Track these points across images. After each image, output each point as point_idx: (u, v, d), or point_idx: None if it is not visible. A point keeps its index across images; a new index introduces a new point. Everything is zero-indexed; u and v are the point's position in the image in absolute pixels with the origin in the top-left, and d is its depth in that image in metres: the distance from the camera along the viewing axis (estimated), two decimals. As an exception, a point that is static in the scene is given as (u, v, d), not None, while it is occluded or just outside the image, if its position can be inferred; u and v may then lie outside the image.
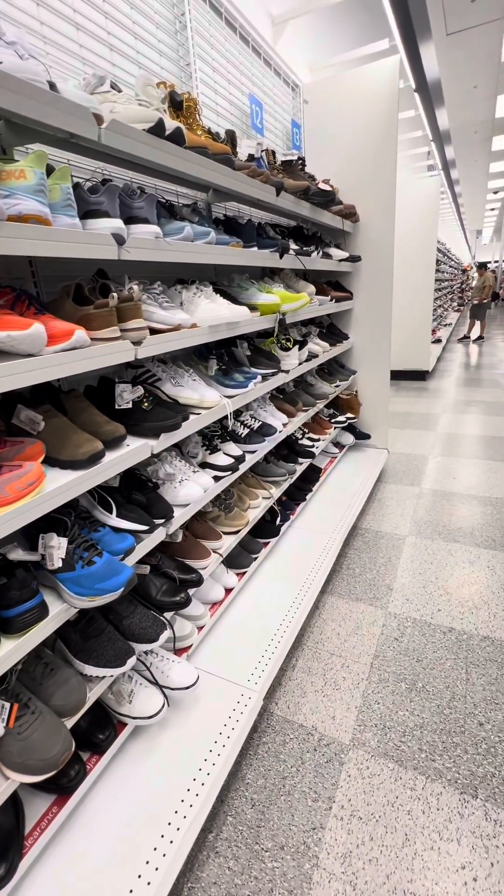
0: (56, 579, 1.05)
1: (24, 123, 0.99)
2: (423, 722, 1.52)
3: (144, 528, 1.26)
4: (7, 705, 0.97)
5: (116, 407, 1.31)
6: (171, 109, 1.46)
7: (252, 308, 1.85)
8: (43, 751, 0.95)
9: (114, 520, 1.23)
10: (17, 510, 0.90)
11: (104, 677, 1.17)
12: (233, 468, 1.70)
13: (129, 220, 1.19)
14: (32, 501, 0.93)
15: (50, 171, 0.97)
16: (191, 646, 1.60)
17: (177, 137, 1.24)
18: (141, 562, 1.43)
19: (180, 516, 1.45)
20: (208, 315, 1.48)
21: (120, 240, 1.09)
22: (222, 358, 1.83)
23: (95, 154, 1.34)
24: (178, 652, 1.57)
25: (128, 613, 1.31)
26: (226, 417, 1.66)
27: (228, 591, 1.87)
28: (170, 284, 1.60)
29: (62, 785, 1.12)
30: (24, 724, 0.98)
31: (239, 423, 1.99)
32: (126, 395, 1.32)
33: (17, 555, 1.00)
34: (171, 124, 1.21)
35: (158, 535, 1.36)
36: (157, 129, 1.16)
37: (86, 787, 1.18)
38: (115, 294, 1.08)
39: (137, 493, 1.33)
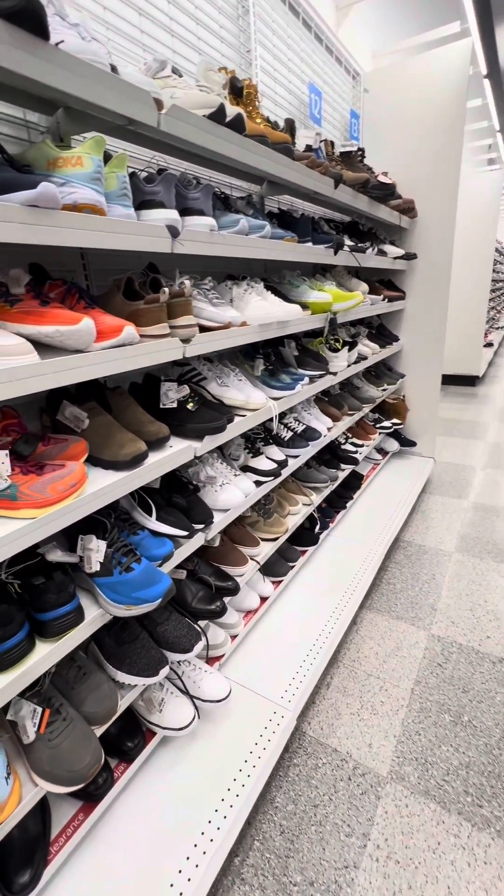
0: (93, 583, 1.02)
1: (82, 108, 0.95)
2: (470, 761, 1.40)
3: (184, 533, 1.21)
4: (39, 710, 0.94)
5: (161, 406, 1.27)
6: (231, 96, 1.40)
7: (303, 306, 1.76)
8: (72, 761, 0.92)
9: (153, 523, 1.19)
10: (58, 512, 0.87)
11: (136, 685, 1.14)
12: (275, 473, 1.63)
13: (184, 211, 1.14)
14: (74, 503, 0.89)
15: (106, 159, 0.93)
16: (223, 655, 1.55)
17: (237, 125, 1.17)
18: (177, 566, 1.39)
19: (220, 522, 1.40)
20: (259, 313, 1.41)
21: (175, 232, 1.04)
22: (269, 358, 1.76)
23: (150, 143, 1.29)
24: (210, 661, 1.52)
25: (162, 620, 1.26)
26: (270, 420, 1.60)
27: (263, 599, 1.81)
28: (219, 280, 1.54)
29: (90, 792, 1.09)
30: (55, 730, 0.95)
31: (282, 426, 1.92)
32: (171, 395, 1.27)
33: (56, 556, 0.97)
34: (231, 110, 1.15)
35: (197, 541, 1.31)
36: (218, 115, 1.10)
37: (113, 794, 1.15)
38: (166, 289, 1.03)
39: (178, 496, 1.29)
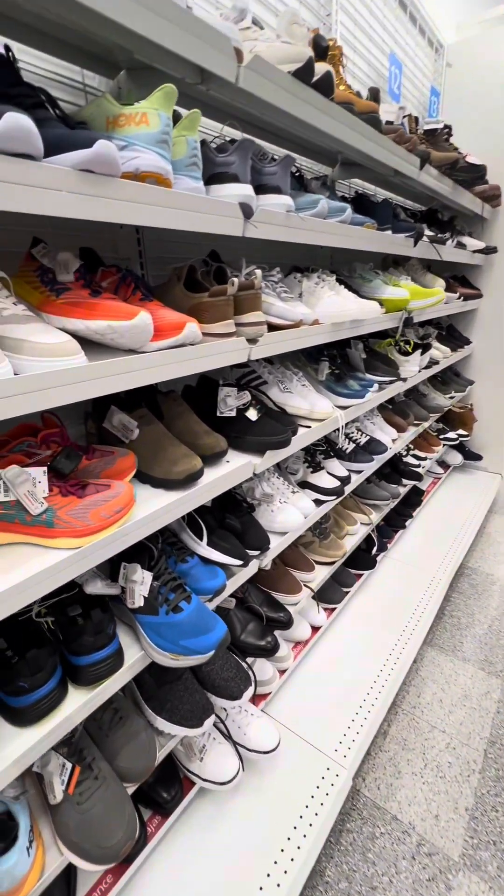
0: (135, 619, 0.88)
1: (147, 61, 0.80)
2: None
3: (238, 562, 1.05)
4: (68, 766, 0.81)
5: (218, 414, 1.11)
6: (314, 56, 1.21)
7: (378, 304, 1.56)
8: (102, 835, 0.78)
9: (205, 549, 1.04)
10: (101, 542, 0.73)
11: (176, 735, 0.99)
12: (338, 492, 1.44)
13: (258, 188, 0.97)
14: (118, 532, 0.75)
15: (174, 120, 0.77)
16: (269, 693, 1.39)
17: (324, 86, 0.99)
18: (226, 593, 1.23)
19: (276, 547, 1.23)
20: (332, 310, 1.23)
21: (248, 211, 0.87)
22: (335, 361, 1.56)
23: (211, 113, 1.13)
24: (255, 699, 1.36)
25: (208, 657, 1.11)
26: (335, 432, 1.41)
27: (315, 629, 1.63)
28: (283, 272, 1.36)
29: (120, 852, 0.96)
30: (85, 791, 0.82)
31: (343, 437, 1.72)
32: (230, 401, 1.11)
33: (96, 587, 0.84)
34: (320, 68, 0.97)
35: (251, 569, 1.15)
36: (305, 73, 0.92)
37: (146, 853, 1.01)
38: (235, 279, 0.87)
39: (231, 517, 1.13)
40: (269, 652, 1.20)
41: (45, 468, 0.71)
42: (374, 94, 1.44)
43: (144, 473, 0.91)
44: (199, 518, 1.10)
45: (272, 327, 1.07)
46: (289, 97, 0.93)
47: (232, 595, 1.26)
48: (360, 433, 1.77)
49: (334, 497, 1.43)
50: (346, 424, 1.78)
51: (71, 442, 0.84)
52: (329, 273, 1.41)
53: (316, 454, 1.54)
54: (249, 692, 1.07)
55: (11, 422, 0.82)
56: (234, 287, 0.87)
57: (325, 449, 1.57)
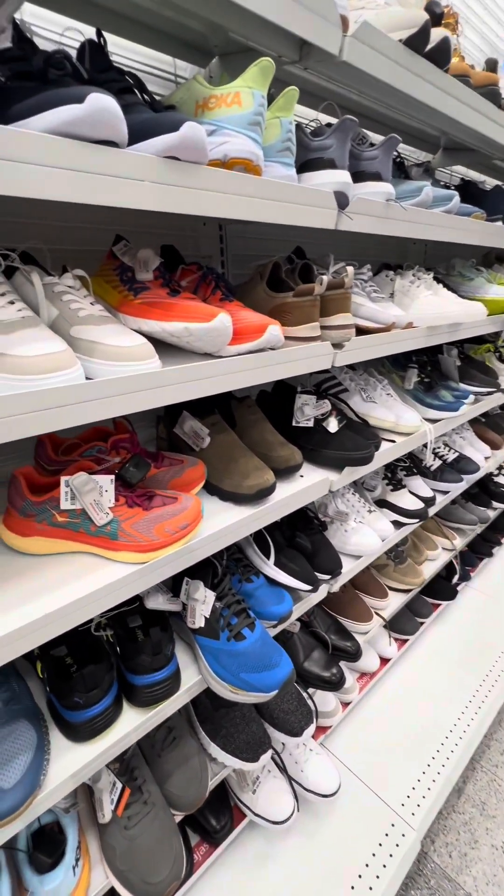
0: (195, 640, 0.83)
1: (244, 40, 0.74)
2: None
3: (307, 587, 0.96)
4: (119, 786, 0.78)
5: (294, 423, 1.03)
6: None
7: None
8: (149, 869, 0.74)
9: (271, 569, 0.96)
10: (164, 559, 0.68)
11: (229, 766, 0.93)
12: (421, 515, 1.29)
13: (356, 176, 0.87)
14: (184, 549, 0.70)
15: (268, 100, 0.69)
16: (330, 727, 1.28)
17: (439, 55, 0.86)
18: (290, 615, 1.15)
19: (349, 571, 1.12)
20: (430, 312, 1.09)
21: (343, 201, 0.78)
22: (424, 368, 1.41)
23: (303, 97, 1.04)
24: (315, 732, 1.26)
25: (268, 684, 1.04)
26: (423, 447, 1.27)
27: (384, 661, 1.49)
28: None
29: (165, 878, 0.91)
30: (134, 816, 0.78)
31: (430, 453, 1.56)
32: (308, 410, 1.02)
33: (157, 602, 0.80)
34: (436, 34, 0.84)
35: (320, 594, 1.05)
36: (420, 39, 0.80)
37: (191, 882, 0.96)
38: (323, 277, 0.77)
39: (301, 536, 1.04)
40: (334, 686, 1.10)
41: (113, 476, 0.68)
42: (492, 66, 1.26)
43: (213, 485, 0.85)
44: (268, 534, 1.02)
45: (361, 331, 0.97)
46: (398, 70, 0.82)
47: (297, 618, 1.18)
48: (448, 449, 1.59)
49: (416, 520, 1.28)
50: (434, 439, 1.61)
51: (140, 448, 0.81)
52: (425, 271, 1.26)
53: (397, 470, 1.40)
54: (310, 730, 0.98)
55: (84, 426, 0.81)
56: (322, 286, 0.78)
57: (407, 465, 1.43)
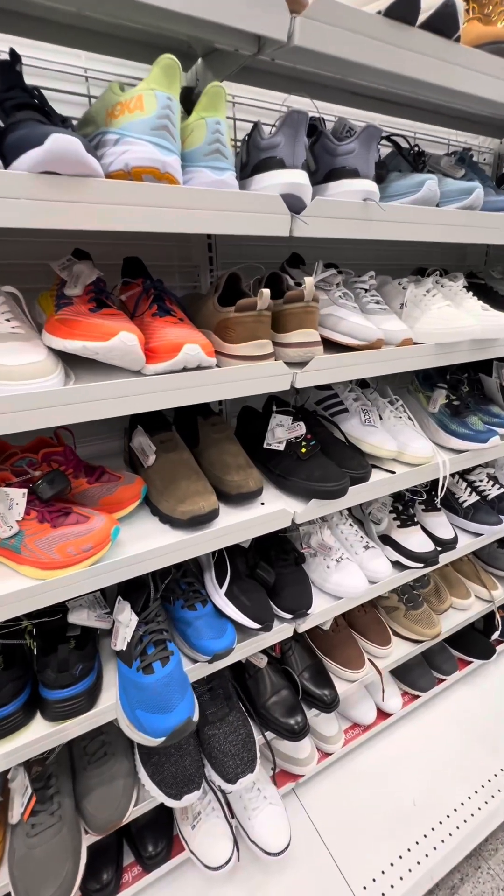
0: (117, 662, 0.81)
1: (192, 37, 0.69)
2: None
3: (255, 625, 0.88)
4: (29, 791, 0.79)
5: (265, 445, 0.95)
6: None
7: (531, 316, 1.14)
8: (35, 883, 0.74)
9: (220, 598, 0.90)
10: (67, 579, 0.67)
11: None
12: (428, 560, 1.11)
13: (332, 174, 0.77)
14: (88, 571, 0.68)
15: (191, 101, 0.63)
16: (303, 776, 1.17)
17: (440, 23, 0.72)
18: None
19: (322, 612, 1.01)
20: (437, 326, 0.93)
21: (296, 204, 0.69)
22: (458, 388, 1.21)
23: (316, 89, 0.95)
24: (278, 778, 1.16)
25: (216, 717, 0.98)
26: (445, 481, 1.09)
27: (384, 715, 1.32)
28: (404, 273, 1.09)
29: (86, 889, 0.92)
30: (38, 825, 0.79)
31: (464, 485, 1.34)
32: (279, 433, 0.94)
33: (80, 618, 0.79)
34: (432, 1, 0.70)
35: (280, 633, 0.96)
36: (404, 8, 0.67)
37: (117, 901, 0.95)
38: (265, 290, 0.69)
39: (264, 567, 0.96)
40: (294, 736, 1.00)
41: (26, 490, 0.69)
42: None
43: (154, 505, 0.82)
44: (229, 560, 0.96)
45: (345, 347, 0.86)
46: (375, 46, 0.70)
47: (266, 651, 1.10)
48: (491, 482, 1.36)
49: (421, 565, 1.11)
50: (473, 469, 1.39)
51: (77, 461, 0.81)
52: (457, 277, 1.08)
53: (411, 503, 1.23)
54: (246, 780, 0.89)
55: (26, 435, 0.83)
56: (266, 300, 0.70)
57: (426, 499, 1.25)
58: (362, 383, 1.19)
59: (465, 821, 1.11)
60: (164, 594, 0.91)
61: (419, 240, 0.82)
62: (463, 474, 1.38)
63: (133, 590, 0.86)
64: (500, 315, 0.98)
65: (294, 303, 0.76)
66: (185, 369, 0.68)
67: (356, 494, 0.94)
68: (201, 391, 0.70)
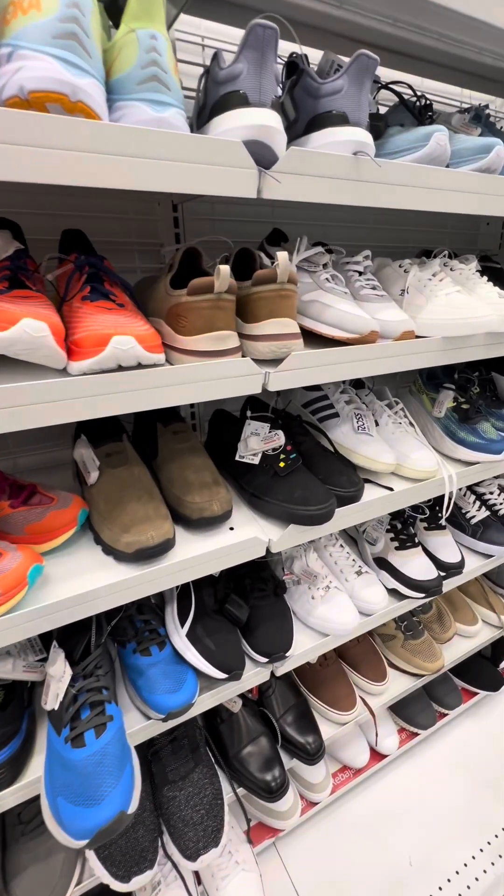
0: (48, 726, 0.66)
1: None
2: None
3: (220, 674, 0.74)
4: None
5: (237, 457, 0.80)
6: None
7: None
8: None
9: (181, 641, 0.76)
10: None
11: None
12: (430, 589, 0.96)
13: (314, 121, 0.61)
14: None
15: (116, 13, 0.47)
16: (282, 831, 1.03)
17: None
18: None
19: (305, 653, 0.86)
20: (445, 316, 0.77)
21: (265, 155, 0.53)
22: (467, 389, 1.06)
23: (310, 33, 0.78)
24: (256, 832, 1.02)
25: (177, 775, 0.84)
26: (453, 496, 0.93)
27: (378, 756, 1.18)
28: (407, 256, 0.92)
29: None
30: (-49, 920, 0.65)
31: (473, 498, 1.19)
32: (254, 443, 0.79)
33: (3, 669, 0.65)
34: None
35: (255, 678, 0.82)
36: None
37: None
38: (223, 267, 0.54)
39: (234, 601, 0.81)
40: (269, 795, 0.86)
41: None
42: None
43: (96, 533, 0.68)
44: (194, 591, 0.82)
45: (332, 341, 0.70)
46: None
47: (242, 693, 0.95)
48: (503, 495, 1.20)
49: (422, 595, 0.96)
50: (484, 482, 1.23)
51: (9, 479, 0.66)
52: (469, 259, 0.92)
53: (411, 522, 1.07)
54: (207, 858, 0.75)
55: None
56: (223, 279, 0.55)
57: (429, 515, 1.09)
58: (357, 383, 1.04)
59: (468, 887, 0.97)
60: (115, 634, 0.77)
61: (423, 209, 0.66)
62: (471, 486, 1.22)
63: (76, 631, 0.72)
64: (523, 304, 0.81)
65: (265, 284, 0.61)
66: (120, 368, 0.53)
67: (345, 517, 0.79)
68: (141, 396, 0.55)
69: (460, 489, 1.21)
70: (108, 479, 0.70)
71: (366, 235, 1.16)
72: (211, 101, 0.56)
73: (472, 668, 1.34)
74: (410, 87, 0.76)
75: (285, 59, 0.66)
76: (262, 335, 0.62)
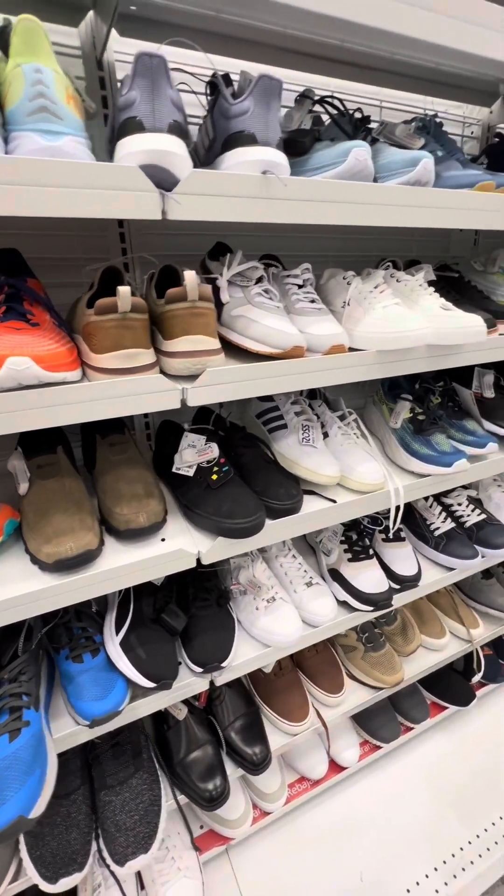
0: (-25, 726, 0.69)
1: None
2: None
3: (149, 683, 0.75)
4: None
5: (174, 469, 0.81)
6: None
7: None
8: None
9: (114, 648, 0.77)
10: None
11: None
12: (379, 603, 0.95)
13: (227, 142, 0.62)
14: None
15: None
16: (233, 839, 1.03)
17: None
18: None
19: (246, 663, 0.87)
20: (379, 329, 0.76)
21: (163, 177, 0.54)
22: (425, 400, 1.04)
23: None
24: (206, 839, 1.03)
25: (116, 780, 0.85)
26: (396, 510, 0.92)
27: (336, 768, 1.17)
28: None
29: None
30: None
31: (439, 509, 1.17)
32: (189, 455, 0.80)
33: None
34: None
35: (191, 687, 0.83)
36: None
37: None
38: (126, 288, 0.55)
39: (172, 611, 0.82)
40: (207, 804, 0.86)
41: None
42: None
43: (25, 542, 0.70)
44: (134, 599, 0.83)
45: (261, 356, 0.71)
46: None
47: (188, 700, 0.96)
48: (471, 506, 1.18)
49: (371, 608, 0.95)
50: (451, 491, 1.21)
51: None
52: (417, 270, 0.91)
53: (367, 533, 1.06)
54: (135, 864, 0.76)
55: None
56: (125, 300, 0.56)
57: (385, 526, 1.08)
58: (311, 393, 1.04)
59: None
60: (52, 640, 0.79)
61: (335, 223, 0.66)
62: (439, 497, 1.20)
63: (6, 637, 0.74)
64: (463, 316, 0.80)
65: (176, 303, 0.62)
66: (23, 387, 0.55)
67: (282, 529, 0.80)
68: (44, 414, 0.56)
69: (427, 500, 1.19)
70: (37, 490, 0.72)
71: (341, 245, 1.15)
72: (116, 126, 0.57)
73: (443, 682, 1.32)
74: (341, 101, 0.75)
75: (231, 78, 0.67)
76: (176, 352, 0.63)
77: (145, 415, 1.02)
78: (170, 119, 0.54)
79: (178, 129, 0.55)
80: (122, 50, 0.81)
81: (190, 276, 0.60)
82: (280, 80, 0.57)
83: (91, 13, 0.72)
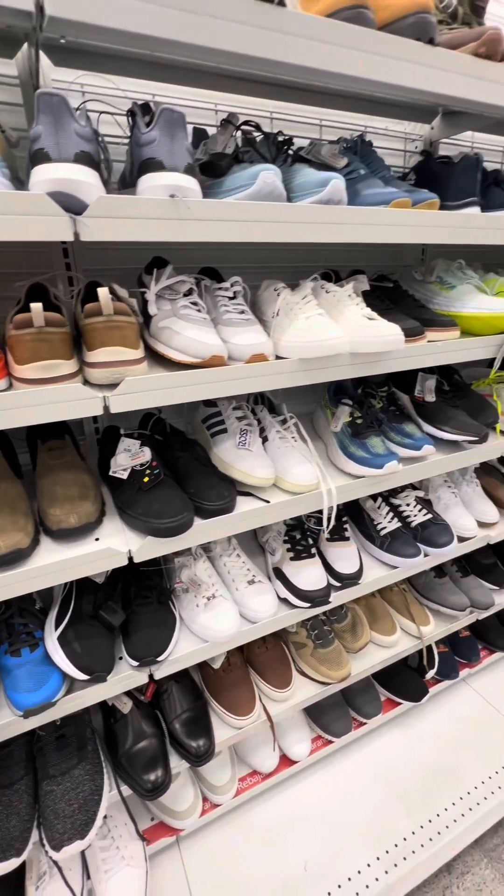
0: None
1: None
2: None
3: (82, 676, 0.79)
4: None
5: (110, 472, 0.86)
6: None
7: (445, 324, 1.00)
8: None
9: (51, 642, 0.81)
10: None
11: (-27, 861, 0.81)
12: (316, 600, 0.99)
13: (140, 168, 0.66)
14: None
15: None
16: (181, 830, 1.07)
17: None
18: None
19: (184, 657, 0.91)
20: (300, 339, 0.81)
21: (71, 203, 0.59)
22: (364, 404, 1.09)
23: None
24: (156, 830, 1.06)
25: (58, 771, 0.89)
26: (330, 510, 0.96)
27: (287, 762, 1.20)
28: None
29: None
30: None
31: (387, 509, 1.21)
32: (123, 459, 0.84)
33: None
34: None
35: (130, 680, 0.87)
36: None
37: None
38: (35, 305, 0.60)
39: (110, 607, 0.86)
40: (147, 794, 0.90)
41: None
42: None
43: (-38, 541, 0.74)
44: (76, 596, 0.87)
45: (186, 366, 0.75)
46: (177, 17, 0.59)
47: (132, 693, 1.00)
48: (418, 506, 1.22)
49: (308, 604, 0.99)
50: (401, 490, 1.25)
51: None
52: (349, 280, 0.96)
53: (310, 533, 1.10)
54: (72, 848, 0.80)
55: None
56: (38, 315, 0.61)
57: (334, 527, 1.12)
58: (256, 398, 1.09)
59: (357, 893, 0.99)
60: (-9, 636, 0.83)
61: (245, 241, 0.70)
62: (387, 497, 1.25)
63: None
64: (383, 325, 0.85)
65: (93, 317, 0.66)
66: None
67: (213, 529, 0.84)
68: (-28, 420, 0.61)
69: (375, 500, 1.23)
70: (-25, 493, 0.76)
71: (290, 257, 1.20)
72: (28, 157, 0.62)
73: (398, 678, 1.35)
74: (258, 126, 0.80)
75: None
76: (96, 362, 0.68)
77: (94, 420, 1.07)
78: (76, 150, 0.59)
79: (87, 159, 0.60)
80: (62, 78, 0.86)
81: (103, 293, 0.64)
82: (181, 112, 0.62)
83: (25, 45, 0.77)
